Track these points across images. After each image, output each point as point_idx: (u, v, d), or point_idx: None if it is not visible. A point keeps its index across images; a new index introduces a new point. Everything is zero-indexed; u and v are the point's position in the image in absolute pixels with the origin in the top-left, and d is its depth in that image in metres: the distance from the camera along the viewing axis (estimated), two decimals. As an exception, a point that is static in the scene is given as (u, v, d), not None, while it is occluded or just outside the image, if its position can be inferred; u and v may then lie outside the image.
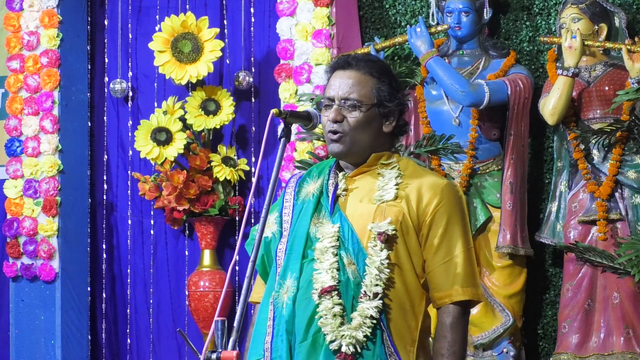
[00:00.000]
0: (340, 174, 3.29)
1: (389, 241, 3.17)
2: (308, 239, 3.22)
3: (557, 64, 5.61)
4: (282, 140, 3.14)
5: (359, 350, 3.14)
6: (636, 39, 5.47)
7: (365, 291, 3.15)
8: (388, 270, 3.16)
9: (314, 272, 3.18)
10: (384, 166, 3.26)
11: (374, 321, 3.14)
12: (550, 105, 5.52)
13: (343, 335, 3.13)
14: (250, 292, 2.96)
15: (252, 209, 6.38)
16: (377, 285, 3.15)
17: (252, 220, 6.34)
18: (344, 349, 3.13)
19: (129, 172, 6.72)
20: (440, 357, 3.18)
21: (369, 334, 3.14)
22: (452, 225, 3.21)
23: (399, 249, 3.19)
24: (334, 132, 3.23)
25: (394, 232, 3.18)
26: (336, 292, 3.15)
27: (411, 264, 3.21)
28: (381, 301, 3.14)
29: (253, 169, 6.46)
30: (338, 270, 3.17)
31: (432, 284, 3.23)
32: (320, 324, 3.15)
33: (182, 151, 6.34)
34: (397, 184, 3.23)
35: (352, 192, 3.26)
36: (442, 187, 3.23)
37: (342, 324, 3.14)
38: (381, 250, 3.16)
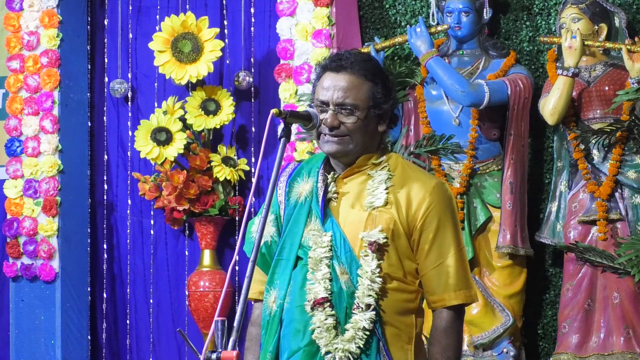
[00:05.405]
0: (330, 176, 3.26)
1: (380, 250, 3.16)
2: (300, 247, 3.21)
3: (557, 64, 5.61)
4: (282, 140, 3.12)
5: None
6: (636, 39, 5.47)
7: (357, 303, 3.14)
8: (380, 280, 3.14)
9: (307, 282, 3.17)
10: (374, 166, 3.24)
11: (367, 332, 3.13)
12: (550, 105, 5.53)
13: (336, 348, 3.12)
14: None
15: (252, 209, 6.37)
16: (369, 296, 3.13)
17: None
18: None
19: (129, 172, 6.71)
20: None
21: (361, 345, 3.13)
22: (443, 228, 3.19)
23: (391, 256, 3.17)
24: (333, 135, 3.21)
25: (385, 240, 3.16)
26: (329, 303, 3.14)
27: (403, 270, 3.19)
28: (374, 312, 3.13)
29: (253, 169, 6.46)
30: (331, 280, 3.15)
31: (425, 287, 3.22)
32: (315, 337, 3.14)
33: (182, 151, 6.34)
34: (387, 188, 3.20)
35: (343, 196, 3.23)
36: (431, 190, 3.20)
37: (336, 335, 3.13)
38: (372, 260, 3.15)
